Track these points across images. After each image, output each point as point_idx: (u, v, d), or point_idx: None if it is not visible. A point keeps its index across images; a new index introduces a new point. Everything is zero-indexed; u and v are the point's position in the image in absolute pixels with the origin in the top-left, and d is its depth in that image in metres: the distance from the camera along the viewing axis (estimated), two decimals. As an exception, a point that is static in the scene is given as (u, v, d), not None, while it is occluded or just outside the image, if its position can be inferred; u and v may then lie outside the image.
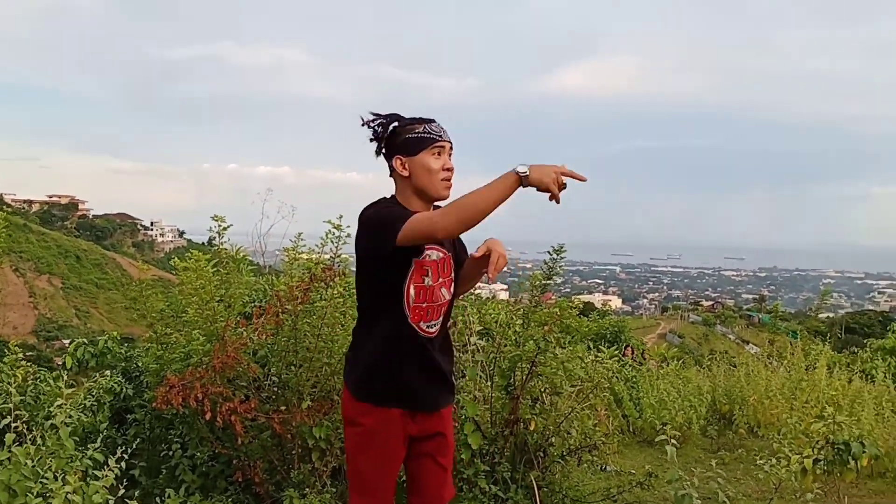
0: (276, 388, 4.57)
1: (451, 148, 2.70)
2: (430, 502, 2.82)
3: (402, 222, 2.46)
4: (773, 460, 4.53)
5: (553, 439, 4.95)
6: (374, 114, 2.71)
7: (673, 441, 3.96)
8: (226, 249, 4.87)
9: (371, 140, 2.73)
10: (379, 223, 2.54)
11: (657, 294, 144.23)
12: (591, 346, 11.89)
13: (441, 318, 2.74)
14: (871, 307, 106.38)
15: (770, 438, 6.80)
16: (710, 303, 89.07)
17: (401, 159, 2.65)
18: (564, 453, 5.00)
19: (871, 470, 6.35)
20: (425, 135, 2.64)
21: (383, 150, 2.73)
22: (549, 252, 5.23)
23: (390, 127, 2.69)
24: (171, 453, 4.56)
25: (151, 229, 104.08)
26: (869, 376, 10.83)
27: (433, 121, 2.70)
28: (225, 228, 4.77)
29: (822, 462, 4.91)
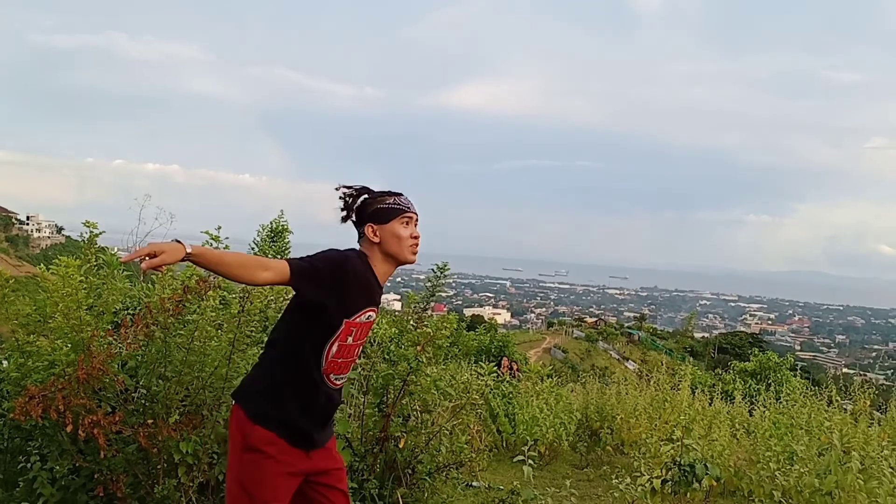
0: (144, 401, 4.48)
1: (416, 219, 2.91)
2: None
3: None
4: (628, 479, 4.77)
5: (422, 456, 5.06)
6: (346, 185, 2.90)
7: (530, 462, 4.13)
8: (99, 254, 4.74)
9: (342, 209, 2.89)
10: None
11: (544, 309, 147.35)
12: (474, 360, 12.12)
13: (349, 373, 2.92)
14: (742, 328, 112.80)
15: (633, 457, 7.11)
16: (594, 319, 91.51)
17: (373, 227, 2.84)
18: (432, 470, 5.11)
19: (722, 488, 6.72)
20: (395, 206, 2.86)
21: (353, 218, 2.90)
22: (433, 270, 5.36)
23: (361, 198, 2.89)
24: (29, 465, 4.40)
25: (27, 224, 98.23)
26: (730, 397, 11.51)
27: (401, 194, 2.91)
28: (97, 235, 4.64)
29: (669, 482, 5.21)
